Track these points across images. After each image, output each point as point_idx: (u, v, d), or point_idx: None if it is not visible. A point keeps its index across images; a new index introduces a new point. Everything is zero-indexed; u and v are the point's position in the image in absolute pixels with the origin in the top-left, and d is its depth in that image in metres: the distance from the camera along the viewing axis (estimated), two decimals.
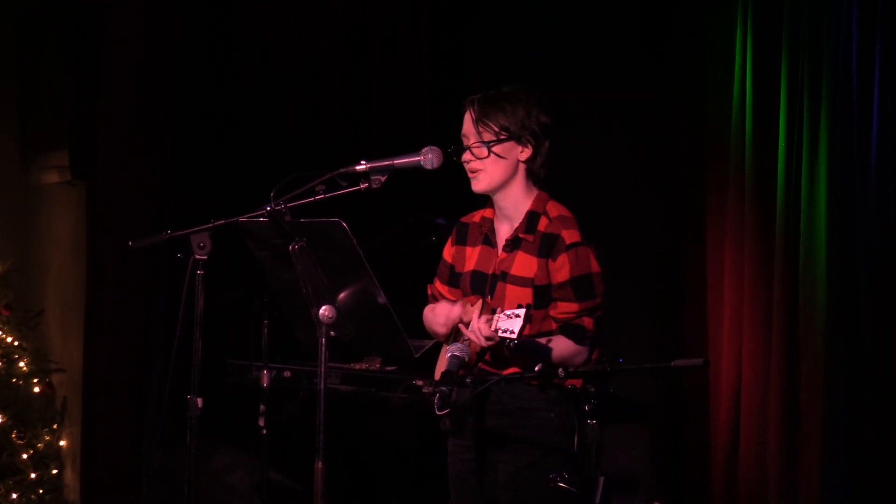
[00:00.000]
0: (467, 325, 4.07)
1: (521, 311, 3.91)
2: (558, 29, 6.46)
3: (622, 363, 3.71)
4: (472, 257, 4.33)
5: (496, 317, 3.96)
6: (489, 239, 4.31)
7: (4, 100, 7.58)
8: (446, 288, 4.41)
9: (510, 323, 3.91)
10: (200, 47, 6.60)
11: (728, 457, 5.80)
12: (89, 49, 6.71)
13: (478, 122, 4.21)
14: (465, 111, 4.27)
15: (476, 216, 4.39)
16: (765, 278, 5.70)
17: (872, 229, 5.42)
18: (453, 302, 4.30)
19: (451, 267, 4.40)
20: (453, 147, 4.21)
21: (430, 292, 4.46)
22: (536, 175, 4.27)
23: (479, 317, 4.01)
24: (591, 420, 3.69)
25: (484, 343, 3.99)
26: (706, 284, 5.94)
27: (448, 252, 4.43)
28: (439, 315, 4.26)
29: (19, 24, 7.54)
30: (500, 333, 3.92)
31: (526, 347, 4.06)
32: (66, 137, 6.94)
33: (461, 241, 4.39)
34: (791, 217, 5.60)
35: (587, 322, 4.14)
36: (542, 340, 4.11)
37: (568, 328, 4.14)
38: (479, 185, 4.24)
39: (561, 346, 4.11)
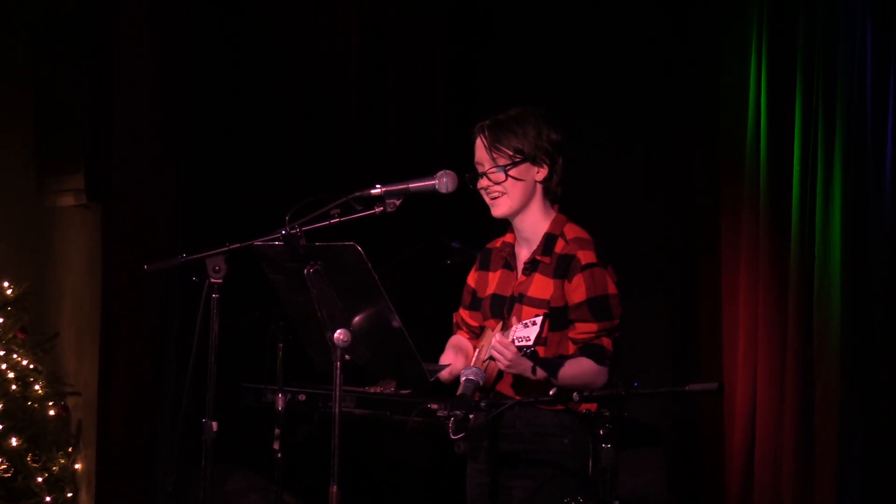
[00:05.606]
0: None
1: (538, 319, 3.93)
2: (572, 49, 6.47)
3: (637, 387, 3.70)
4: (493, 282, 4.35)
5: (513, 328, 3.96)
6: (509, 263, 4.32)
7: (21, 123, 7.62)
8: (468, 313, 4.44)
9: (527, 331, 3.93)
10: (215, 71, 6.61)
11: (743, 480, 5.78)
12: (104, 73, 6.74)
13: (491, 147, 4.21)
14: (475, 138, 4.27)
15: (498, 242, 4.41)
16: (780, 301, 5.69)
17: (887, 252, 5.40)
18: (458, 348, 4.34)
19: (474, 292, 4.43)
20: (468, 175, 4.20)
21: (455, 320, 4.49)
22: (553, 194, 4.28)
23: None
24: (606, 444, 3.67)
25: (503, 361, 3.97)
26: (721, 308, 5.93)
27: (472, 278, 4.46)
28: (444, 369, 4.27)
29: (34, 49, 7.58)
30: (516, 342, 3.92)
31: (539, 359, 4.05)
32: (82, 160, 6.97)
33: (484, 267, 4.42)
34: (806, 240, 5.59)
35: (606, 342, 4.14)
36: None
37: (588, 348, 4.12)
38: (499, 209, 4.25)
39: (583, 366, 4.09)
